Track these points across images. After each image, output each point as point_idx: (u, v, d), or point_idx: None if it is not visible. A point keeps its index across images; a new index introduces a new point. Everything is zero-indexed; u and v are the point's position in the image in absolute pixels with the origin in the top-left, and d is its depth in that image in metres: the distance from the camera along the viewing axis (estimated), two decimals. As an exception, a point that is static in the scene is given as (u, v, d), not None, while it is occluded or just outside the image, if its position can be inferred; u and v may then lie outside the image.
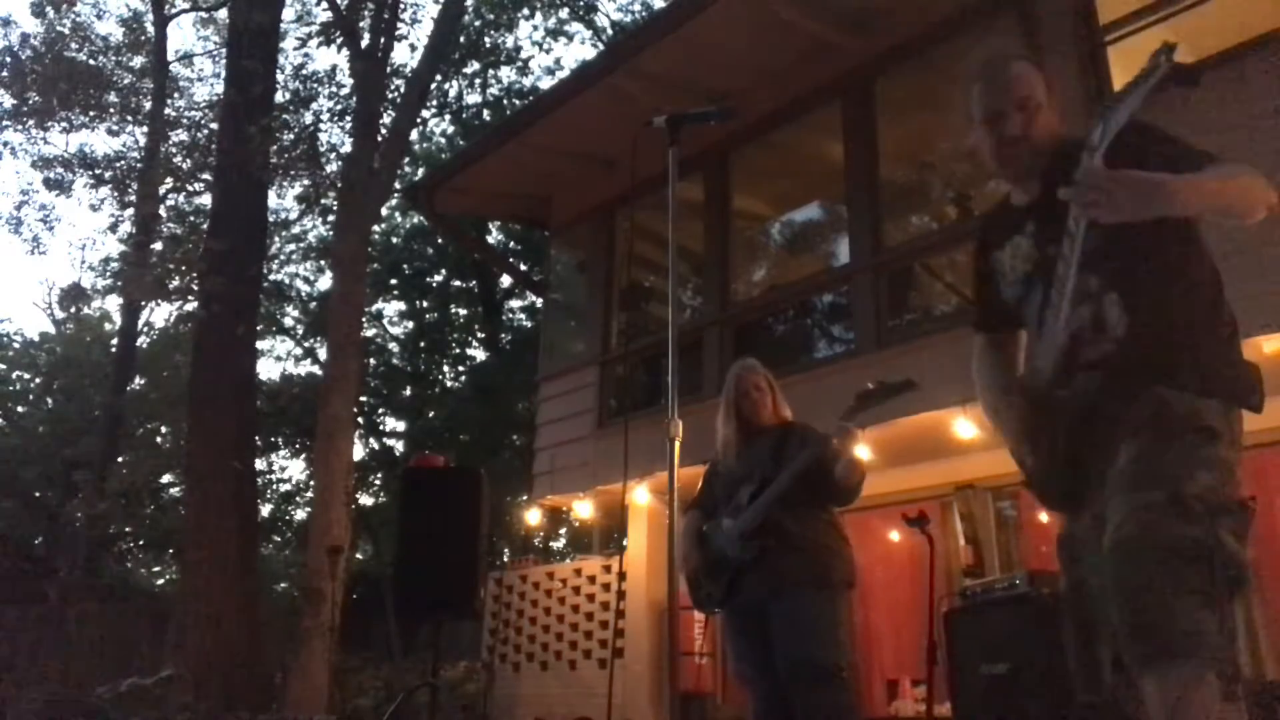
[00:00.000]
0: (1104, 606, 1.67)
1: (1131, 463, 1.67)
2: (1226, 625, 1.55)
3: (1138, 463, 1.66)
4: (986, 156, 1.93)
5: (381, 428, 17.83)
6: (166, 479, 16.36)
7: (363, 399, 14.95)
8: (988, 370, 2.10)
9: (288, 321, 17.95)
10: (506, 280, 16.99)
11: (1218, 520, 1.59)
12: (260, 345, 14.33)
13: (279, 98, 10.84)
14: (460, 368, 18.15)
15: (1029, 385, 1.92)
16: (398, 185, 11.14)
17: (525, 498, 8.78)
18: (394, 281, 17.10)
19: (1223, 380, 1.71)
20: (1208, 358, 1.72)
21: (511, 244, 15.78)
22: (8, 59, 12.15)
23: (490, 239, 15.33)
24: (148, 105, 13.58)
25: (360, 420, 14.96)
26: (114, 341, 17.34)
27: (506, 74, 16.06)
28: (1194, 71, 1.68)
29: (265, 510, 16.80)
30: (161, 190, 11.96)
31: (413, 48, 17.70)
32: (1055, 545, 1.93)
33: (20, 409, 18.93)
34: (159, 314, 16.52)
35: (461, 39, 13.44)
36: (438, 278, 17.52)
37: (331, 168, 10.88)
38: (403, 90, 10.55)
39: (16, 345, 19.86)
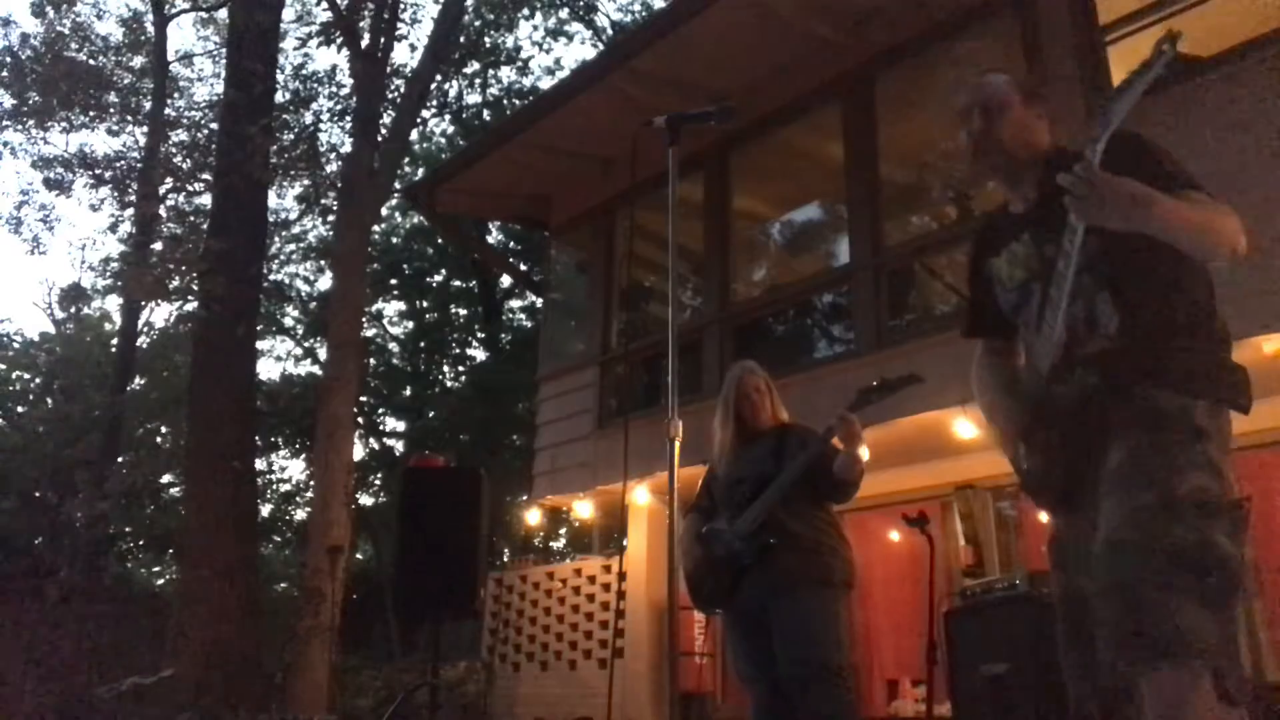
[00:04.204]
0: (1096, 608, 1.67)
1: (1122, 463, 1.68)
2: (1226, 628, 1.55)
3: (1129, 463, 1.67)
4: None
5: (381, 428, 17.86)
6: (166, 479, 16.35)
7: (363, 399, 14.95)
8: (986, 373, 2.10)
9: (288, 321, 17.98)
10: (506, 280, 17.01)
11: (1210, 521, 1.59)
12: (260, 345, 14.36)
13: (279, 98, 10.86)
14: (460, 368, 18.17)
15: (1027, 384, 1.92)
16: (398, 185, 11.14)
17: (525, 498, 8.78)
18: (394, 281, 17.12)
19: (1212, 381, 1.71)
20: (1197, 359, 1.72)
21: (511, 244, 15.78)
22: (8, 59, 12.17)
23: (490, 239, 15.34)
24: (148, 105, 13.60)
25: (360, 420, 14.96)
26: (114, 341, 17.33)
27: (506, 74, 16.10)
28: (1194, 61, 1.68)
29: (265, 510, 16.82)
30: (161, 190, 11.95)
31: (413, 48, 17.75)
32: (1046, 546, 1.93)
33: (20, 409, 18.92)
34: (159, 314, 16.52)
35: (461, 39, 13.43)
36: (438, 278, 17.53)
37: (331, 168, 10.90)
38: (403, 90, 10.55)
39: (16, 345, 19.85)
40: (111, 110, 12.99)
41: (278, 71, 10.85)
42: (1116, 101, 1.63)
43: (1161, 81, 1.64)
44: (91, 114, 12.69)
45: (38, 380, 19.49)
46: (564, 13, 15.71)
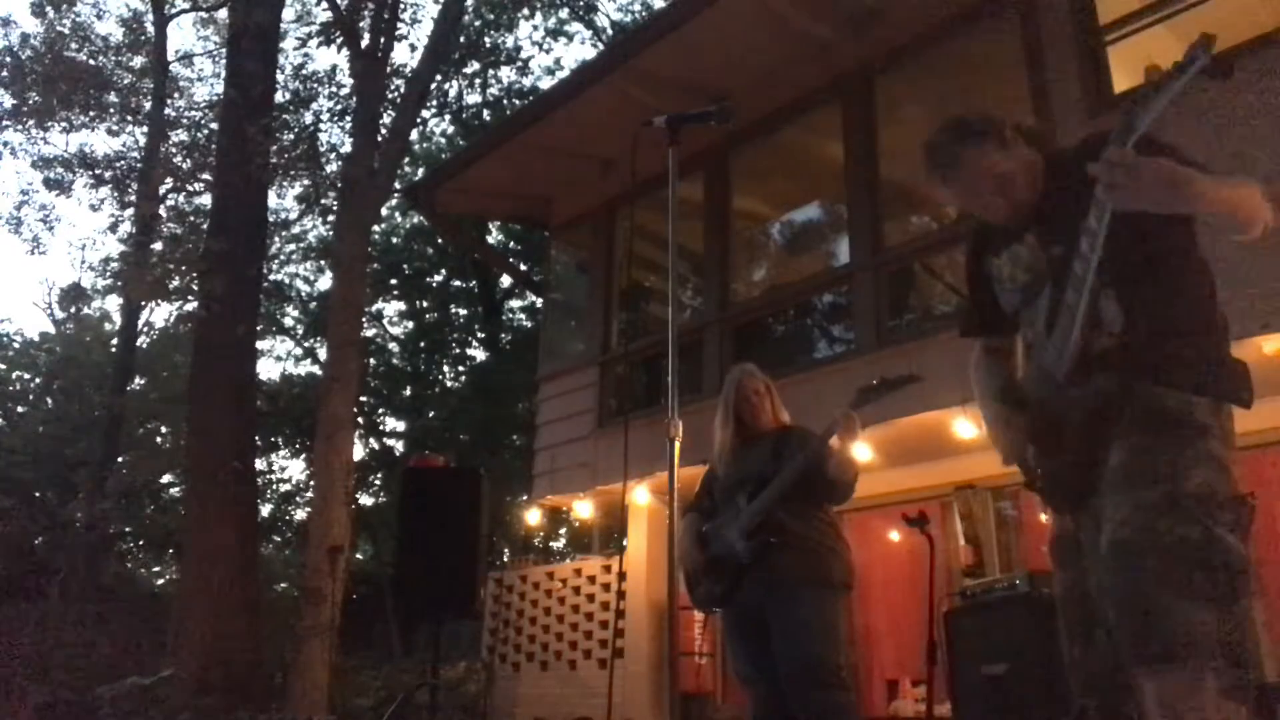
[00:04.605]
0: (1101, 607, 1.66)
1: (1126, 461, 1.67)
2: (1233, 625, 1.55)
3: (1132, 461, 1.66)
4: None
5: (381, 428, 17.84)
6: (166, 479, 16.37)
7: (363, 399, 14.94)
8: (987, 375, 2.09)
9: (288, 321, 17.97)
10: (506, 280, 17.00)
11: (1216, 518, 1.58)
12: (260, 345, 14.34)
13: (279, 98, 10.83)
14: (460, 368, 18.16)
15: (1036, 386, 1.90)
16: (398, 185, 11.13)
17: (525, 498, 8.78)
18: (394, 281, 17.10)
19: (1214, 377, 1.71)
20: (1200, 355, 1.72)
21: (511, 244, 15.78)
22: (8, 59, 12.17)
23: (490, 239, 15.34)
24: (148, 105, 13.60)
25: (360, 420, 14.96)
26: (114, 341, 17.34)
27: (506, 74, 16.06)
28: (1228, 64, 1.64)
29: (265, 510, 16.79)
30: (161, 190, 11.95)
31: (413, 48, 17.69)
32: (1048, 545, 1.92)
33: (20, 409, 18.92)
34: (159, 314, 16.53)
35: (461, 39, 13.41)
36: (438, 278, 17.52)
37: (331, 168, 10.88)
38: (403, 90, 10.54)
39: (16, 345, 19.86)
40: (111, 110, 12.99)
41: (278, 71, 10.83)
42: (1148, 102, 1.60)
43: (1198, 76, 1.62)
44: (91, 114, 12.69)
45: (38, 380, 19.50)
46: (564, 13, 15.69)
